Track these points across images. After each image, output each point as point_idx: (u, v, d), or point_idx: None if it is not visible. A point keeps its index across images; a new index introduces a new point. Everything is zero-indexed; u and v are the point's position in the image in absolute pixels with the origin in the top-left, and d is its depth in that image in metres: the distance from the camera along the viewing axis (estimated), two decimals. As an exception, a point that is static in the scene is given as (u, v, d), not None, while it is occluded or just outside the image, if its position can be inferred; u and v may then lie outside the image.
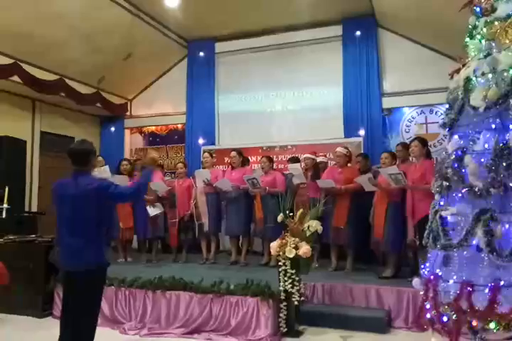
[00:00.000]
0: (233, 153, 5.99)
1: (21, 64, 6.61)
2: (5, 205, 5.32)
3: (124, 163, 6.13)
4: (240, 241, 6.00)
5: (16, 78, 6.58)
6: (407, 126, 7.38)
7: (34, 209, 7.44)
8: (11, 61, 6.49)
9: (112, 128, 9.17)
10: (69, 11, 6.25)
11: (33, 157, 7.63)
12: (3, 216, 5.33)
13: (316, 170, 5.64)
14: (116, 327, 4.25)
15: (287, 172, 6.08)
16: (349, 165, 5.53)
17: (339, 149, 5.47)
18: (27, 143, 7.29)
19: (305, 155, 5.91)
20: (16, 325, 4.37)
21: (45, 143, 7.91)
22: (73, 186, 2.77)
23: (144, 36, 7.57)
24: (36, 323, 4.48)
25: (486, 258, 2.24)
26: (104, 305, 4.35)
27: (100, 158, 6.08)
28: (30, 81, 6.75)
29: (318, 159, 5.82)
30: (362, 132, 7.24)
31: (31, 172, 7.56)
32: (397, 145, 5.37)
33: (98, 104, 8.28)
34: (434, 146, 6.81)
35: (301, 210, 4.12)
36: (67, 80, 7.45)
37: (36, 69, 6.89)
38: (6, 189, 5.33)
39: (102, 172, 5.49)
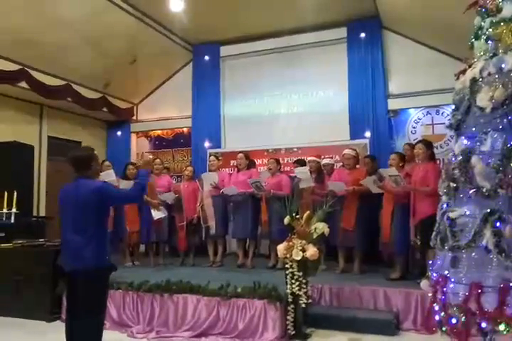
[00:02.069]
0: (240, 155, 6.03)
1: (28, 70, 6.68)
2: (13, 210, 5.37)
3: (131, 167, 6.15)
4: (247, 244, 6.01)
5: (23, 84, 6.65)
6: (413, 128, 7.36)
7: (42, 213, 7.49)
8: (19, 67, 6.55)
9: (119, 133, 9.23)
10: (75, 17, 6.32)
11: (40, 162, 7.69)
12: (12, 221, 5.38)
13: (320, 173, 5.64)
14: (124, 331, 4.26)
15: (293, 174, 6.07)
16: (357, 166, 5.53)
17: (347, 151, 5.44)
18: (34, 148, 7.33)
19: (309, 158, 5.90)
20: (25, 329, 4.39)
21: (52, 148, 7.96)
22: (75, 189, 2.89)
23: (149, 41, 7.62)
24: (45, 327, 4.49)
25: (495, 259, 2.21)
26: (112, 309, 4.39)
27: (107, 163, 6.11)
28: (37, 87, 6.82)
29: (324, 161, 5.81)
30: (368, 134, 7.22)
31: (39, 177, 7.61)
32: (404, 144, 5.42)
33: (104, 109, 8.34)
34: (441, 147, 6.78)
35: (308, 212, 4.11)
36: (73, 85, 7.51)
37: (43, 75, 6.96)
38: (15, 194, 5.38)
39: (107, 176, 5.51)
